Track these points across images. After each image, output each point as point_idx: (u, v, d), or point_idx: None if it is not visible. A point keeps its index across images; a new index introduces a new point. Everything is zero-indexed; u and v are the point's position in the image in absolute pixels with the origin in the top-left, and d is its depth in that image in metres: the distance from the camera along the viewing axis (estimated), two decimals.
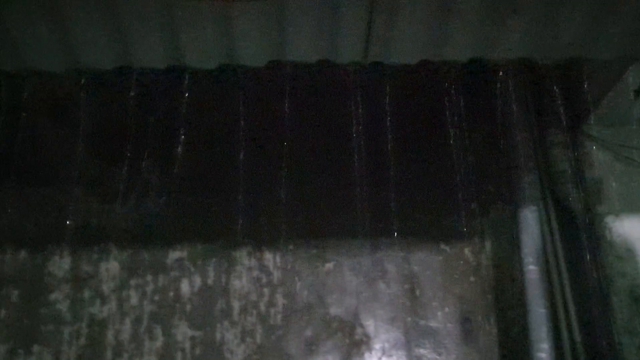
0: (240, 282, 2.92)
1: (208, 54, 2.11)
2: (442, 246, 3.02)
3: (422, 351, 2.86)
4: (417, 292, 2.95)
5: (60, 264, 2.87)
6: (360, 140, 2.39)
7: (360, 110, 2.23)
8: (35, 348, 2.71)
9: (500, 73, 2.21)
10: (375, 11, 2.00)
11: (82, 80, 2.09)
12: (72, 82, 2.60)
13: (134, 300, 2.87)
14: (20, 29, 1.89)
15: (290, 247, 2.98)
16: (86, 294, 2.86)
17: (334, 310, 2.91)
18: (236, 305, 2.89)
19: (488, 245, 3.04)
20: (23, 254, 2.85)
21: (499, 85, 2.24)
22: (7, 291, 2.78)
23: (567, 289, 2.75)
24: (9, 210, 2.88)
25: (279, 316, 2.88)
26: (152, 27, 2.00)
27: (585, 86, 2.71)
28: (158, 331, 2.83)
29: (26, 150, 2.93)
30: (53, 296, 2.82)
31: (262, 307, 2.89)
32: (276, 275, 2.95)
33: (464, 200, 3.02)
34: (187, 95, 2.15)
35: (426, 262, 2.99)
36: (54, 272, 2.86)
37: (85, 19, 1.89)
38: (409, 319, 2.91)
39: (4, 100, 2.65)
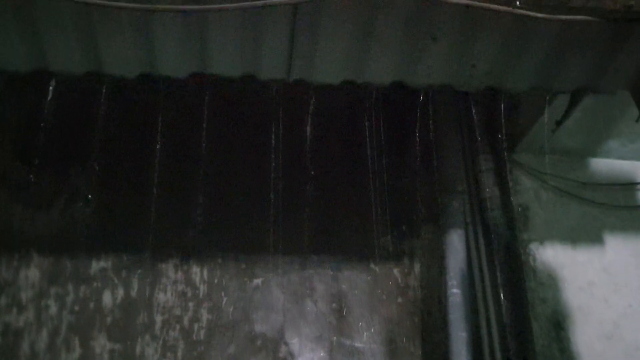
0: (164, 296, 2.87)
1: (128, 63, 2.09)
2: (372, 266, 3.02)
3: None
4: (345, 312, 2.94)
5: None
6: (282, 157, 2.39)
7: (282, 126, 2.23)
8: None
9: (421, 98, 2.24)
10: (297, 30, 2.01)
11: (6, 86, 2.03)
12: None
13: (53, 309, 2.79)
14: None
15: (219, 260, 2.94)
16: (2, 301, 2.76)
17: (259, 327, 2.87)
18: (159, 319, 2.83)
19: (417, 267, 3.05)
20: None
21: (426, 109, 2.28)
22: None
23: (492, 314, 2.77)
24: None
25: (203, 331, 2.84)
26: (68, 33, 1.96)
27: (513, 114, 2.77)
28: (76, 342, 2.75)
29: None
30: None
31: (186, 322, 2.84)
32: (202, 289, 2.90)
33: (394, 221, 3.04)
34: (107, 101, 2.13)
35: (355, 281, 2.99)
36: None
37: None
38: (335, 338, 2.89)
39: None
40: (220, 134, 2.41)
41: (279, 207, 2.59)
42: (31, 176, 2.85)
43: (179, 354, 2.79)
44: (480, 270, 2.84)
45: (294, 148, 2.35)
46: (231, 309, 2.89)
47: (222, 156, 2.71)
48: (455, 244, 2.86)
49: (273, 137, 2.32)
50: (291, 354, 2.85)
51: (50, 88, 2.01)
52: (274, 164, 2.34)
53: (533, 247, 2.87)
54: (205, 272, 2.93)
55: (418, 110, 2.27)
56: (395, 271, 3.03)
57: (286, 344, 2.86)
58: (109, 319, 2.80)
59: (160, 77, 2.11)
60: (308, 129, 2.31)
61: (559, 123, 2.61)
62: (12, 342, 2.71)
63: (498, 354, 2.69)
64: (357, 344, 2.90)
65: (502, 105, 2.36)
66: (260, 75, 2.17)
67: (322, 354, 2.86)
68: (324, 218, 2.91)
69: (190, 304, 2.88)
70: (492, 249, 2.85)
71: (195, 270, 2.93)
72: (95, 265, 2.87)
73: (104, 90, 1.99)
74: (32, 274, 2.82)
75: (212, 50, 2.07)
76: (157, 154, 2.29)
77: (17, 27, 1.91)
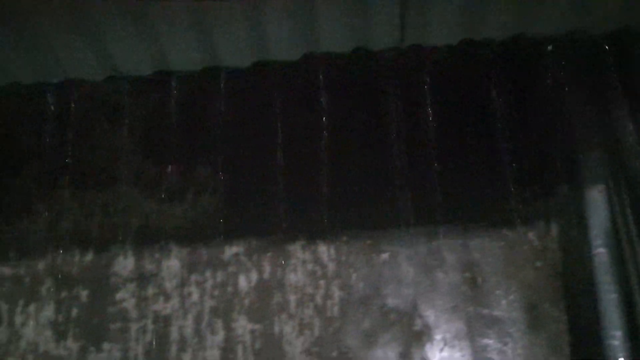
0: (295, 276, 2.92)
1: (242, 53, 2.11)
2: (504, 231, 2.88)
3: (486, 341, 2.76)
4: (479, 280, 2.84)
5: (125, 263, 2.98)
6: (403, 127, 2.29)
7: (400, 96, 2.13)
8: (105, 345, 2.84)
9: (550, 47, 2.05)
10: None
11: (126, 87, 2.13)
12: (119, 88, 2.69)
13: (195, 296, 2.94)
14: (59, 41, 1.96)
15: (344, 238, 2.94)
16: (150, 291, 2.94)
17: (391, 302, 2.85)
18: (292, 298, 2.89)
19: (554, 228, 2.87)
20: (89, 255, 2.98)
21: (549, 61, 2.07)
22: (77, 291, 2.92)
23: None
24: (73, 215, 3.02)
25: (336, 308, 2.86)
26: (184, 30, 2.01)
27: None
28: (219, 326, 2.88)
29: (83, 157, 3.06)
30: (119, 295, 2.93)
31: (319, 300, 2.88)
32: (331, 267, 2.92)
33: (525, 183, 2.87)
34: (225, 93, 2.16)
35: (487, 248, 2.87)
36: (119, 271, 2.96)
37: (118, 27, 1.93)
38: (471, 308, 2.81)
39: (54, 110, 2.79)
40: (337, 112, 2.37)
41: (402, 178, 2.52)
42: (161, 173, 3.01)
43: (316, 331, 2.84)
44: (627, 226, 2.61)
45: (414, 116, 2.25)
46: (361, 284, 2.89)
47: (342, 133, 2.67)
48: (596, 201, 2.65)
49: (391, 107, 2.23)
50: (427, 327, 2.80)
51: (173, 87, 2.07)
52: (395, 135, 2.26)
53: None
54: (332, 251, 2.94)
55: (543, 62, 2.08)
56: (531, 234, 2.87)
57: (420, 316, 2.81)
58: (246, 301, 2.90)
59: (274, 63, 2.10)
60: (427, 94, 2.20)
61: None
62: (162, 329, 2.89)
63: None
64: (496, 313, 2.79)
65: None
66: (372, 46, 2.10)
67: (459, 325, 2.79)
68: (449, 186, 2.80)
69: (321, 282, 2.91)
70: (638, 202, 2.62)
71: (322, 249, 2.95)
72: (229, 251, 2.98)
73: (222, 83, 2.02)
74: (173, 264, 2.98)
75: (322, 28, 2.04)
76: (277, 138, 2.29)
77: (137, 33, 1.98)
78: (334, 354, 2.80)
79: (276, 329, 2.85)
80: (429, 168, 2.55)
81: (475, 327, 2.78)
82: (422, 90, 2.20)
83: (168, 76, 2.04)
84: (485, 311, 2.79)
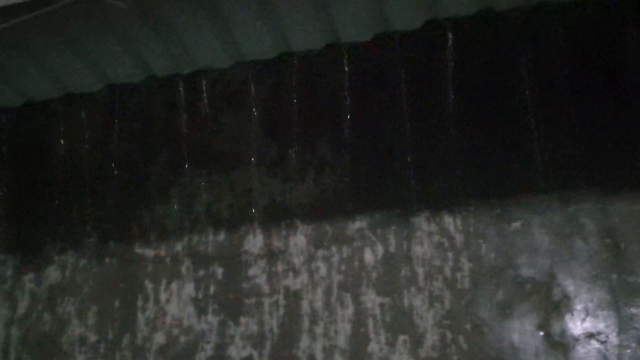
0: (422, 248, 2.89)
1: (362, 26, 2.09)
2: None
3: (633, 310, 2.58)
4: (622, 246, 2.65)
5: (254, 241, 3.10)
6: (534, 88, 2.16)
7: (530, 56, 2.00)
8: (242, 319, 2.98)
9: None
10: None
11: (250, 71, 2.19)
12: (243, 73, 2.77)
13: (323, 271, 2.99)
14: (190, 33, 2.04)
15: (471, 208, 2.86)
16: (280, 267, 3.04)
17: (526, 272, 2.74)
18: (420, 271, 2.86)
19: None
20: (222, 235, 3.13)
21: None
22: (213, 270, 3.08)
23: None
24: (205, 197, 3.19)
25: (467, 280, 2.80)
26: (305, 9, 2.02)
27: None
28: (348, 299, 2.92)
29: (211, 142, 3.21)
30: (251, 271, 3.05)
31: (448, 272, 2.83)
32: (459, 238, 2.85)
33: None
34: (347, 69, 2.15)
35: (629, 212, 2.67)
36: (249, 249, 3.09)
37: (244, 14, 1.97)
38: (615, 276, 2.63)
39: (184, 100, 2.94)
40: (464, 78, 2.28)
41: (533, 142, 2.38)
42: (284, 152, 3.08)
43: (447, 303, 2.80)
44: None
45: (545, 77, 2.11)
46: (492, 255, 2.80)
47: (469, 100, 2.58)
48: None
49: (522, 69, 2.11)
50: (566, 297, 2.67)
51: (295, 67, 2.09)
52: (526, 97, 2.14)
53: None
54: (458, 221, 2.87)
55: None
56: None
57: (559, 286, 2.68)
58: (373, 275, 2.91)
59: (395, 33, 2.06)
60: (558, 53, 2.05)
61: None
62: (293, 303, 2.98)
63: None
64: None
65: None
66: (498, 6, 1.99)
67: (601, 294, 2.63)
68: (585, 147, 2.62)
69: (449, 254, 2.85)
70: None
71: (448, 220, 2.89)
72: (352, 226, 3.00)
73: (344, 59, 2.01)
74: (299, 240, 3.05)
75: None
76: (401, 110, 2.25)
77: (260, 17, 2.02)
78: (467, 326, 2.74)
79: (405, 302, 2.84)
80: (563, 130, 2.38)
81: (620, 296, 2.60)
82: (553, 50, 2.06)
83: (290, 57, 2.07)
84: (631, 279, 2.60)
